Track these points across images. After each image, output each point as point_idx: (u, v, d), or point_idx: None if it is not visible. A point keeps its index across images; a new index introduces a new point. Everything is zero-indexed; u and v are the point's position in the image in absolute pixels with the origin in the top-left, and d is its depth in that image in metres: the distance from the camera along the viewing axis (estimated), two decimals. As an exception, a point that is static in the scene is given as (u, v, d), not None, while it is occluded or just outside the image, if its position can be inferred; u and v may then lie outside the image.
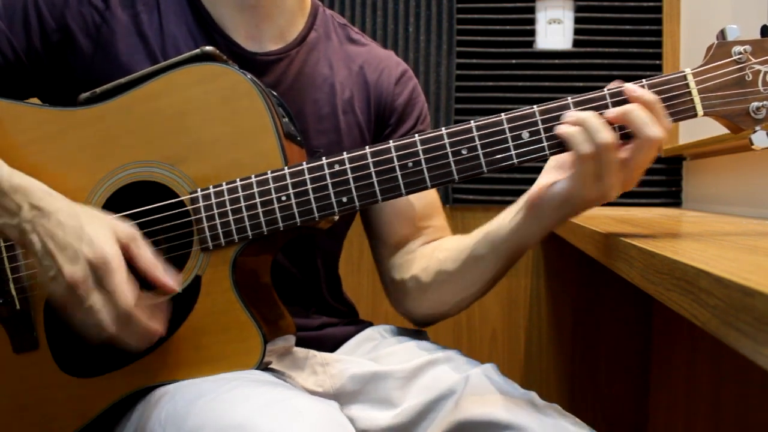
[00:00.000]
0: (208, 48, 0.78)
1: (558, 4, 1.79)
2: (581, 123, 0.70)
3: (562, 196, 0.74)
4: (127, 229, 0.72)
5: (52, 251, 0.69)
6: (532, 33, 1.78)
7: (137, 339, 0.71)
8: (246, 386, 0.69)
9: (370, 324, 1.02)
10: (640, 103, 0.70)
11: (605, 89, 0.73)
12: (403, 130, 1.00)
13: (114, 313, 0.69)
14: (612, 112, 0.70)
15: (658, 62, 1.75)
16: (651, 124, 0.69)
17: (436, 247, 0.95)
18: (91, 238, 0.69)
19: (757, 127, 0.71)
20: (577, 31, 1.77)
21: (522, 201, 0.81)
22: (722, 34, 0.72)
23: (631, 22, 1.75)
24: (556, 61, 1.77)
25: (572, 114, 0.71)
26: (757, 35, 0.72)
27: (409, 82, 1.02)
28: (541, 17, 1.79)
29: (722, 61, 0.71)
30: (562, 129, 0.71)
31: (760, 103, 0.70)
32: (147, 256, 0.72)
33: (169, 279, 0.72)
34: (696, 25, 1.68)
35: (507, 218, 0.83)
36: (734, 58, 0.71)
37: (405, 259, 0.97)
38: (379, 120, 0.99)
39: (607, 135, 0.69)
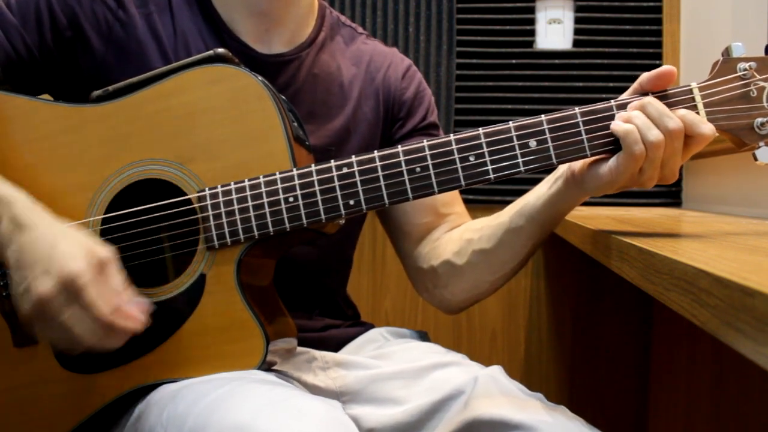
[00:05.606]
0: (221, 50, 0.79)
1: (558, 4, 1.79)
2: (632, 121, 0.70)
3: (604, 177, 0.74)
4: (102, 253, 0.69)
5: (24, 266, 0.68)
6: (532, 33, 1.78)
7: (117, 341, 0.70)
8: (247, 386, 0.69)
9: (372, 326, 1.02)
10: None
11: (612, 101, 0.73)
12: (412, 123, 1.00)
13: (92, 326, 0.67)
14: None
15: (658, 62, 1.74)
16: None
17: (464, 230, 0.95)
18: (62, 255, 0.67)
19: (761, 143, 0.72)
20: (577, 31, 1.77)
21: (560, 172, 0.81)
22: (727, 51, 0.72)
23: (631, 22, 1.75)
24: (556, 61, 1.76)
25: (622, 113, 0.72)
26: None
27: (415, 76, 1.03)
28: (541, 17, 1.79)
29: (727, 77, 0.72)
30: (615, 126, 0.71)
31: (765, 119, 0.71)
32: (114, 284, 0.69)
33: (134, 310, 0.69)
34: (696, 25, 1.68)
35: (544, 189, 0.83)
36: (739, 74, 0.72)
37: (431, 247, 0.97)
38: (388, 115, 1.00)
39: (656, 133, 0.69)
